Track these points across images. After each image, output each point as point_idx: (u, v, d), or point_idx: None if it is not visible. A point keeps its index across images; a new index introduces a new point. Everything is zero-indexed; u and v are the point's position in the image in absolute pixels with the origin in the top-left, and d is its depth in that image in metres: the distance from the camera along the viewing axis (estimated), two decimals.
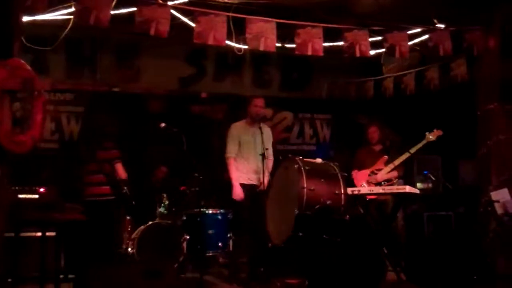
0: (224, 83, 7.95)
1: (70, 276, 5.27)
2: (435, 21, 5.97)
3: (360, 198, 5.80)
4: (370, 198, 6.04)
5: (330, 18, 5.71)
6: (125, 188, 5.69)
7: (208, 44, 5.25)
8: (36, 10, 4.76)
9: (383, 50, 5.97)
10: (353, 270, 4.80)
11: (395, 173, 6.43)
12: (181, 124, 5.82)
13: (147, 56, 7.41)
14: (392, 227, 6.40)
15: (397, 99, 7.36)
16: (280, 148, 7.39)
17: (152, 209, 6.10)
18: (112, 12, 4.80)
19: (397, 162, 6.35)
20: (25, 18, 4.75)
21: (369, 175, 6.53)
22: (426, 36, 6.03)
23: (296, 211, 4.89)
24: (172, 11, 5.11)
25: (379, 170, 6.47)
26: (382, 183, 6.36)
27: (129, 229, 5.94)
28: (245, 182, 5.92)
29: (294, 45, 5.58)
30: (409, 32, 5.92)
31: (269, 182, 5.66)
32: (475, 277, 5.27)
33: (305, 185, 4.93)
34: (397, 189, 5.77)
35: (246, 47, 5.58)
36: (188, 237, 5.73)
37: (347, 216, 5.12)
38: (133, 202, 5.82)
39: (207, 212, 5.93)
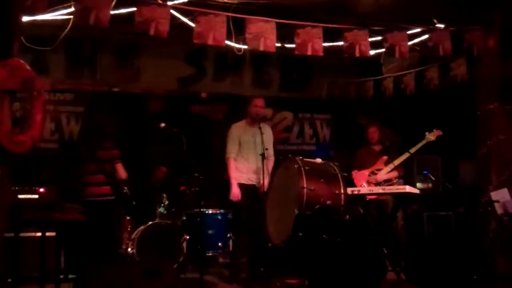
0: (224, 83, 7.95)
1: (70, 276, 5.28)
2: (435, 21, 5.97)
3: (360, 198, 5.79)
4: (370, 198, 6.04)
5: (330, 18, 5.71)
6: (126, 188, 5.69)
7: (208, 44, 5.25)
8: (36, 10, 4.76)
9: (383, 50, 5.97)
10: (353, 270, 4.80)
11: (395, 173, 6.43)
12: (181, 124, 5.82)
13: (147, 56, 7.41)
14: (392, 227, 6.40)
15: (397, 99, 7.35)
16: (280, 148, 7.38)
17: (152, 209, 6.09)
18: (112, 12, 4.80)
19: (397, 162, 6.36)
20: (25, 18, 4.75)
21: (369, 175, 6.53)
22: (426, 36, 6.02)
23: (296, 211, 4.89)
24: (172, 11, 5.11)
25: (379, 170, 6.48)
26: (382, 183, 6.36)
27: (129, 229, 5.93)
28: (245, 182, 5.93)
29: (294, 45, 5.58)
30: (409, 32, 5.92)
31: (269, 182, 5.66)
32: (475, 277, 5.26)
33: (305, 185, 4.93)
34: (397, 189, 5.76)
35: (245, 47, 5.58)
36: (188, 237, 5.73)
37: (347, 216, 5.11)
38: (134, 202, 5.82)
39: (207, 212, 5.92)
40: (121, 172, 5.67)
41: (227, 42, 5.38)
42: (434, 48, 5.93)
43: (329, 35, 5.67)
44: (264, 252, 5.54)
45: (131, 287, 4.22)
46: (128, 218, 5.98)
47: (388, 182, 6.39)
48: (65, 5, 5.05)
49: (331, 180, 5.13)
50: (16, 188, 5.32)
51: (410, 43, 5.99)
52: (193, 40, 5.20)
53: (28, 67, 4.03)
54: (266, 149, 5.78)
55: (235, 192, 5.83)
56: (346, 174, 5.42)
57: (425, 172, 7.09)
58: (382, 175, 6.42)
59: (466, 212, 6.79)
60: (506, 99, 6.10)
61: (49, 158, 6.69)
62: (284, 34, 5.81)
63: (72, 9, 4.88)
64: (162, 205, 6.11)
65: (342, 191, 5.09)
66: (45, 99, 4.18)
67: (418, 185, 7.27)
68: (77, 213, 4.70)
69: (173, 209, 6.17)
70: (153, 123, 6.04)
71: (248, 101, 6.08)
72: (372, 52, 5.91)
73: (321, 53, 5.58)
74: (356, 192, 5.70)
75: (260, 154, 5.70)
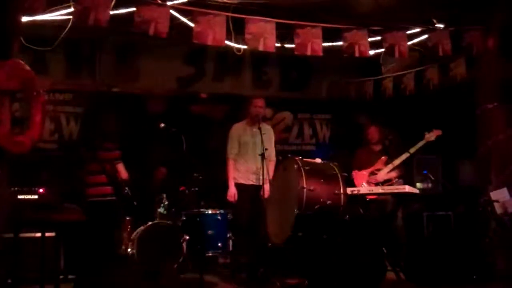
0: (224, 83, 7.95)
1: (70, 276, 5.27)
2: (435, 21, 5.98)
3: (360, 198, 5.80)
4: (370, 198, 6.04)
5: (329, 18, 5.72)
6: (127, 188, 5.68)
7: (208, 44, 5.25)
8: (34, 10, 4.76)
9: (382, 50, 5.97)
10: (353, 270, 4.80)
11: (394, 173, 6.43)
12: (181, 124, 5.82)
13: (146, 56, 7.40)
14: (392, 227, 6.40)
15: (396, 99, 7.36)
16: (279, 148, 7.38)
17: (152, 209, 6.09)
18: (111, 12, 4.81)
19: (396, 162, 6.36)
20: (25, 19, 4.75)
21: (369, 175, 6.53)
22: (425, 36, 6.03)
23: (296, 211, 4.89)
24: (171, 11, 5.11)
25: (379, 170, 6.48)
26: (382, 183, 6.36)
27: (128, 229, 5.93)
28: (244, 182, 5.92)
29: (293, 45, 5.58)
30: (408, 32, 5.93)
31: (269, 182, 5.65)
32: (474, 277, 5.27)
33: (304, 185, 4.93)
34: (397, 189, 5.77)
35: (245, 47, 5.58)
36: (187, 237, 5.72)
37: (347, 216, 5.12)
38: (135, 203, 5.82)
39: (206, 212, 5.92)
40: (123, 172, 5.68)
41: (227, 42, 5.38)
42: (434, 48, 5.93)
43: (328, 35, 5.67)
44: (264, 252, 5.54)
45: (131, 287, 4.22)
46: (128, 218, 5.98)
47: (387, 182, 6.39)
48: (64, 5, 5.05)
49: (331, 180, 5.13)
50: (16, 188, 5.32)
51: (409, 43, 6.00)
52: (192, 40, 5.21)
53: (27, 67, 4.02)
54: (266, 149, 5.76)
55: (232, 192, 5.83)
56: (346, 174, 5.42)
57: (424, 172, 7.08)
58: (382, 175, 6.41)
59: (466, 212, 6.79)
60: (505, 99, 6.11)
61: (49, 158, 6.68)
62: (284, 34, 5.82)
63: (72, 9, 4.88)
64: (162, 205, 6.10)
65: (342, 191, 5.10)
66: (45, 99, 4.18)
67: (418, 185, 7.25)
68: (77, 213, 4.69)
69: (172, 210, 6.16)
70: (152, 123, 6.04)
71: (248, 102, 6.07)
72: (371, 52, 5.92)
73: (320, 53, 5.58)
74: (356, 192, 5.70)
75: (260, 154, 5.68)
